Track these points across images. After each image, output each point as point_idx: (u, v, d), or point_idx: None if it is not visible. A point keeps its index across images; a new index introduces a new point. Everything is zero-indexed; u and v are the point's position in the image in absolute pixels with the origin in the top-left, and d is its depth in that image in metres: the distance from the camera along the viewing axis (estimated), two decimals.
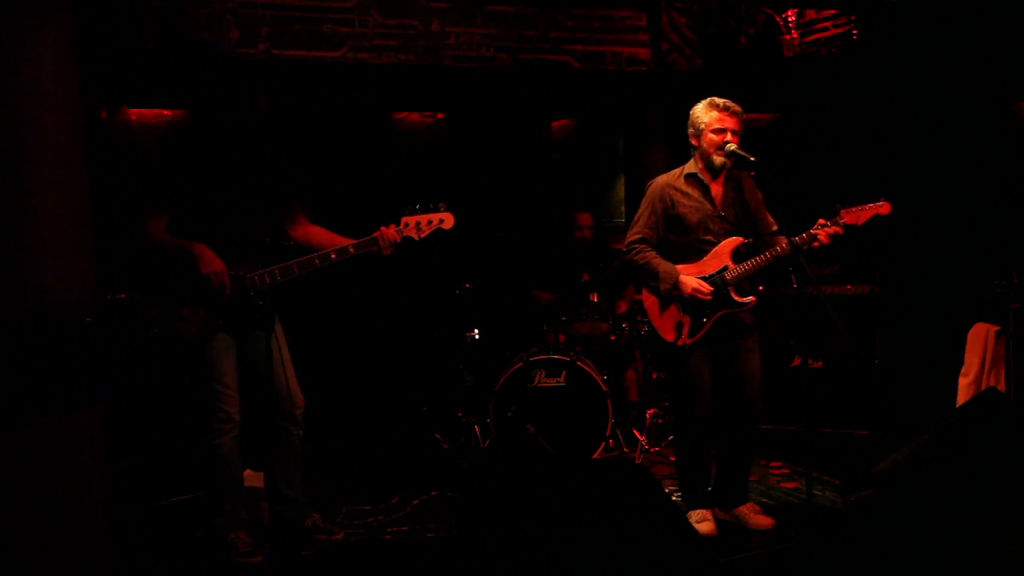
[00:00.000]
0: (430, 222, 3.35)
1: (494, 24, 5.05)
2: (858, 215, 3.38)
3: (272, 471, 3.50)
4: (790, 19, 5.25)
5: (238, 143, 3.38)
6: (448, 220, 3.37)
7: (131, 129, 5.41)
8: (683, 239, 3.58)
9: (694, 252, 3.57)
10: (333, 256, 3.29)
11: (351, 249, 3.31)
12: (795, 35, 5.23)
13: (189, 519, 3.81)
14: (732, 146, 3.47)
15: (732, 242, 3.54)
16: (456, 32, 4.98)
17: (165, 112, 5.49)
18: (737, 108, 3.51)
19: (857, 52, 5.06)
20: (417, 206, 3.36)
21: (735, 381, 3.56)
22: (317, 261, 3.28)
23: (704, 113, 3.52)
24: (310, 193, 3.65)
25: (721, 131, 3.48)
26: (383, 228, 3.32)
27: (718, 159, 3.51)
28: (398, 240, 3.32)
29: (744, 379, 3.55)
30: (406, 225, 3.34)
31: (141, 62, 4.56)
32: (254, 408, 3.46)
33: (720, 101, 3.51)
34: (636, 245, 3.61)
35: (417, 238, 3.35)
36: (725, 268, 3.51)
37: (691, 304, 3.51)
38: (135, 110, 5.42)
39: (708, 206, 3.56)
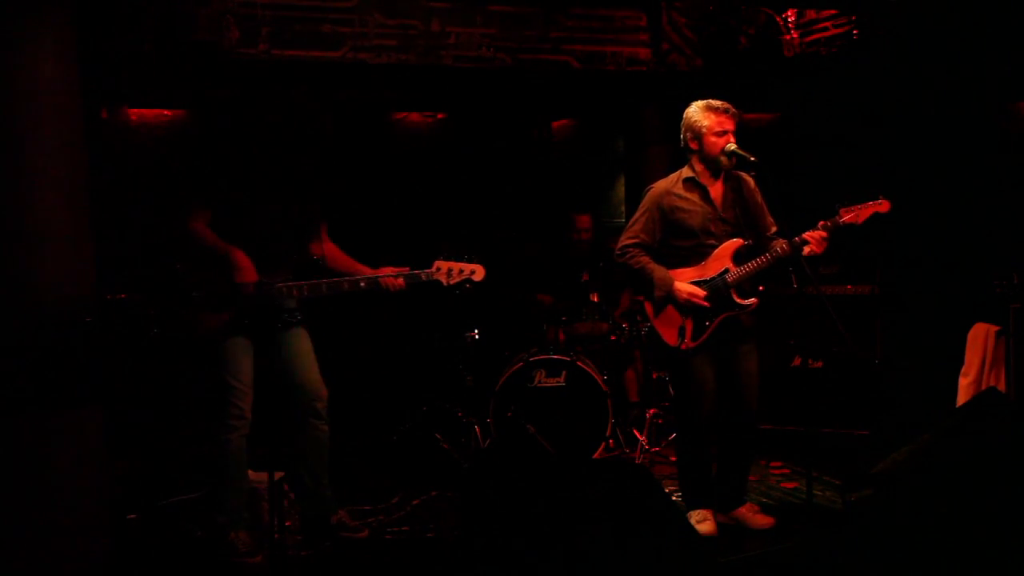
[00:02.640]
0: (461, 271, 3.45)
1: (494, 24, 5.04)
2: (858, 213, 3.39)
3: (297, 467, 3.54)
4: (790, 19, 5.25)
5: (294, 154, 3.44)
6: (479, 272, 3.46)
7: (131, 129, 5.41)
8: (685, 243, 3.57)
9: (696, 256, 3.56)
10: (362, 285, 3.39)
11: (379, 282, 3.40)
12: (795, 35, 5.23)
13: (189, 519, 3.81)
14: (733, 146, 3.47)
15: (732, 244, 3.53)
16: (456, 32, 4.98)
17: (165, 112, 5.49)
18: (734, 109, 3.51)
19: (857, 52, 5.06)
20: (452, 254, 3.46)
21: (735, 383, 3.56)
22: (346, 286, 3.37)
23: (703, 116, 3.50)
24: (330, 207, 3.70)
25: (723, 133, 3.47)
26: (387, 275, 3.40)
27: (724, 161, 3.50)
28: (403, 287, 3.41)
29: (744, 381, 3.55)
30: (438, 269, 3.44)
31: (141, 62, 4.56)
32: (265, 408, 3.47)
33: (718, 104, 3.50)
34: (630, 249, 3.60)
35: (445, 284, 3.44)
36: (726, 271, 3.50)
37: (691, 308, 3.51)
38: (135, 110, 5.42)
39: (709, 209, 3.55)
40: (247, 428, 3.40)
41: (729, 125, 3.48)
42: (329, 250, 3.55)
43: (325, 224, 3.59)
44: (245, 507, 3.46)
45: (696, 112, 3.53)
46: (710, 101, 3.52)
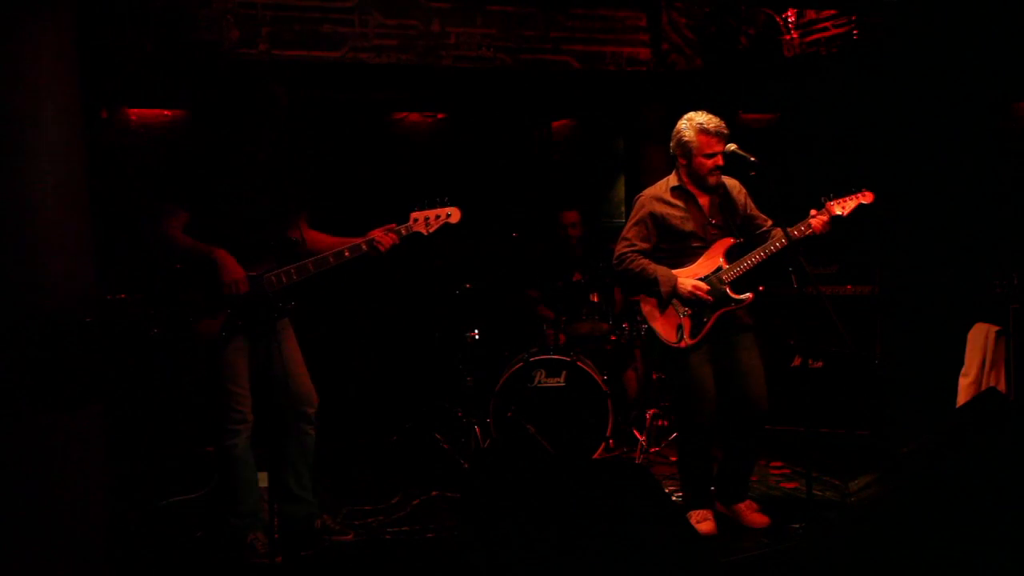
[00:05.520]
0: (438, 217, 3.47)
1: (494, 24, 5.04)
2: (843, 206, 3.48)
3: (282, 470, 3.51)
4: (790, 19, 5.25)
5: (260, 144, 3.40)
6: (455, 214, 3.49)
7: (131, 129, 5.41)
8: (676, 246, 3.64)
9: (687, 257, 3.63)
10: (347, 254, 3.37)
11: (363, 246, 3.39)
12: (795, 35, 5.23)
13: (189, 519, 3.81)
14: (732, 146, 3.50)
15: (724, 242, 3.61)
16: (456, 32, 4.98)
17: (165, 112, 5.48)
18: (726, 131, 3.54)
19: (857, 52, 5.06)
20: (425, 202, 3.49)
21: (738, 378, 3.58)
22: (331, 259, 3.36)
23: (694, 136, 3.53)
24: (312, 196, 3.68)
25: (713, 155, 3.52)
26: (376, 234, 3.40)
27: (712, 180, 3.57)
28: (397, 242, 3.42)
29: (747, 375, 3.57)
30: (415, 220, 3.45)
31: (141, 62, 4.56)
32: (263, 409, 3.46)
33: (711, 126, 3.51)
34: (628, 255, 3.64)
35: (426, 233, 3.47)
36: (719, 268, 3.58)
37: (691, 304, 3.54)
38: (135, 110, 5.42)
39: (697, 214, 3.62)
40: (250, 431, 3.37)
41: (719, 148, 3.52)
42: (310, 235, 3.50)
43: (305, 213, 3.55)
44: (260, 508, 3.45)
45: (689, 130, 3.55)
46: (705, 122, 3.52)
